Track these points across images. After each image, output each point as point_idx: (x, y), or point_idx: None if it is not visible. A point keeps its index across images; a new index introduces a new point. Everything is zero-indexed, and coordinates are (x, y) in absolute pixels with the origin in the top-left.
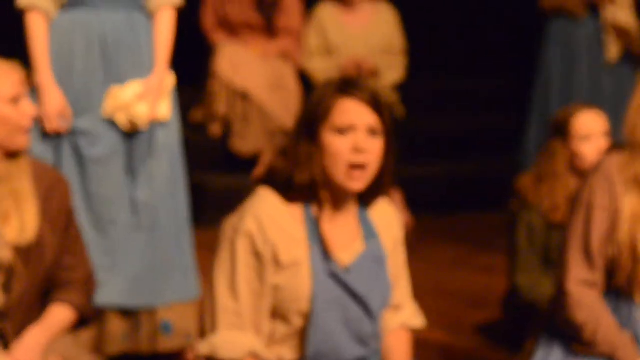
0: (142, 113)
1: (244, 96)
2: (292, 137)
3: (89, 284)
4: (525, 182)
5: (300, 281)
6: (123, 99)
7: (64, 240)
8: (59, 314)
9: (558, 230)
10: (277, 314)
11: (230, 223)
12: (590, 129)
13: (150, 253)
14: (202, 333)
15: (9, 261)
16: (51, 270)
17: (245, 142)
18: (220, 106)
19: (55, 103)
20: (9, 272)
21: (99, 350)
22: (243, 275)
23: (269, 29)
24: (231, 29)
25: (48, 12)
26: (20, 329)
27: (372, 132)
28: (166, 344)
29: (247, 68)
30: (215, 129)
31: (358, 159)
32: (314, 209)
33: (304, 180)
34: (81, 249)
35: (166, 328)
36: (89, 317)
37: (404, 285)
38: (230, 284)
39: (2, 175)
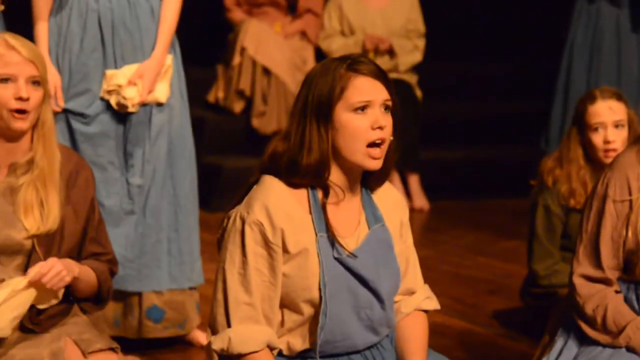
0: (131, 95)
1: (266, 73)
2: (295, 119)
3: (112, 268)
4: (546, 165)
5: (308, 269)
6: (118, 81)
7: (89, 227)
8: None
9: (576, 215)
10: (287, 302)
11: (236, 213)
12: (601, 119)
13: (141, 237)
14: (213, 326)
15: (29, 245)
16: (71, 256)
17: (267, 120)
18: (244, 82)
19: (50, 84)
20: (29, 255)
21: None
22: (253, 266)
23: (291, 9)
24: (252, 7)
25: None
26: (38, 310)
27: (386, 107)
28: (155, 332)
29: (270, 45)
30: (238, 106)
31: (377, 135)
32: (319, 194)
33: (312, 162)
34: (105, 236)
35: (156, 316)
36: (104, 298)
37: (414, 269)
38: (241, 275)
39: (27, 162)
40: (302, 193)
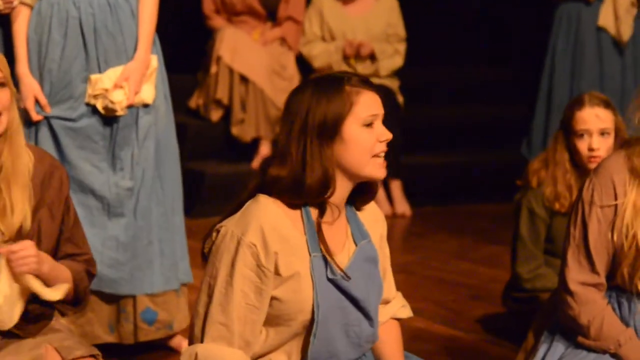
0: (118, 98)
1: (244, 81)
2: (293, 140)
3: (89, 269)
4: (533, 166)
5: (302, 291)
6: (103, 85)
7: (63, 228)
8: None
9: (560, 219)
10: (276, 323)
11: (229, 230)
12: (586, 126)
13: (133, 239)
14: (190, 336)
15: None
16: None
17: (246, 128)
18: (221, 90)
19: (28, 94)
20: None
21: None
22: (239, 288)
23: (272, 17)
24: (231, 15)
25: (32, 4)
26: (24, 315)
27: (383, 119)
28: (149, 334)
29: (247, 53)
30: (216, 114)
31: (382, 148)
32: (312, 214)
33: (315, 181)
34: (81, 236)
35: (150, 318)
36: (81, 300)
37: (390, 278)
38: (221, 295)
39: None
40: (297, 213)
